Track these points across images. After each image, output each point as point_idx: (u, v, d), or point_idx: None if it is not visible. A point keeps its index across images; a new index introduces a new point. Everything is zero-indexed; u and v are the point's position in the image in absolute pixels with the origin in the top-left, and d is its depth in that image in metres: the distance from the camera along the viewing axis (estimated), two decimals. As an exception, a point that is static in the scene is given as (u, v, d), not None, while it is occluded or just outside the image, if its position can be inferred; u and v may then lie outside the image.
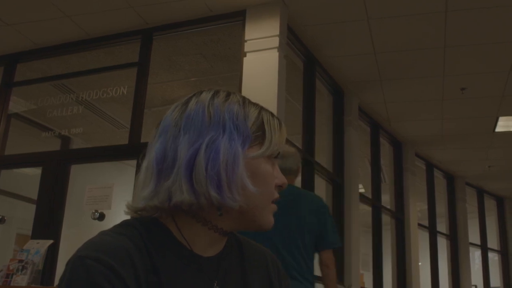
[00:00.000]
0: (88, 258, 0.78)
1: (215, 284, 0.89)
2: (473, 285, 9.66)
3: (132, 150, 4.60)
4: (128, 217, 0.93)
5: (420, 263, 7.92)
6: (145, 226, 0.88)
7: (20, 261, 3.71)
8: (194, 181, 0.84)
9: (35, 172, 5.55)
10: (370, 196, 7.09)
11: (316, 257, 3.25)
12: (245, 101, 0.94)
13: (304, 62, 5.36)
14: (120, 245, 0.81)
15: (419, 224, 8.25)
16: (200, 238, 0.90)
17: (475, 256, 10.77)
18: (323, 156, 5.93)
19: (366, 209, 7.04)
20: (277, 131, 0.93)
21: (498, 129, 7.25)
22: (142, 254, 0.83)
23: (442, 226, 9.31)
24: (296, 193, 3.19)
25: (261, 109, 0.95)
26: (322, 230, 3.12)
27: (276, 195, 0.94)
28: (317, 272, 3.44)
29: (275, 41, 4.42)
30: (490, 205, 10.83)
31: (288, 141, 4.77)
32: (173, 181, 0.85)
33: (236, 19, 4.67)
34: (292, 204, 3.06)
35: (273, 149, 0.91)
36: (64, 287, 0.77)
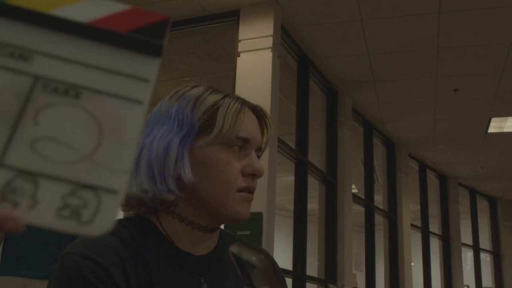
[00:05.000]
0: (76, 254, 0.79)
1: (202, 282, 0.89)
2: (465, 286, 9.70)
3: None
4: (120, 216, 0.93)
5: (412, 264, 7.94)
6: (135, 224, 0.89)
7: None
8: (139, 176, 0.86)
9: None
10: (363, 196, 7.10)
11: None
12: (206, 91, 0.91)
13: (298, 62, 5.37)
14: (108, 242, 0.82)
15: (412, 225, 8.27)
16: (183, 235, 0.90)
17: (467, 256, 10.80)
18: (316, 156, 5.94)
19: (359, 209, 7.05)
20: (233, 117, 0.88)
21: (491, 130, 7.29)
22: (131, 252, 0.83)
23: (434, 226, 9.34)
24: None
25: (224, 96, 0.91)
26: None
27: (243, 184, 0.90)
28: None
29: (269, 41, 4.43)
30: (483, 206, 10.87)
31: (280, 141, 4.77)
32: (133, 178, 0.87)
33: (230, 19, 4.67)
34: None
35: (226, 136, 0.88)
36: (53, 283, 0.79)
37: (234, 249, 0.65)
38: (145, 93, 0.32)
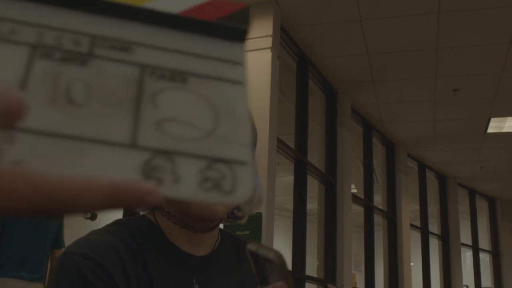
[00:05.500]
0: (75, 254, 0.79)
1: (194, 282, 0.89)
2: (465, 285, 9.71)
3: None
4: (120, 216, 0.94)
5: (412, 264, 7.94)
6: (135, 224, 0.89)
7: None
8: None
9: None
10: (362, 196, 7.10)
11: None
12: None
13: (297, 62, 5.37)
14: (107, 242, 0.82)
15: (411, 225, 8.27)
16: (181, 236, 0.90)
17: (467, 256, 10.81)
18: (315, 157, 5.94)
19: (359, 209, 7.06)
20: None
21: (490, 130, 7.29)
22: (131, 252, 0.84)
23: (434, 226, 9.35)
24: None
25: None
26: None
27: None
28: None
29: (268, 41, 4.43)
30: (482, 206, 10.88)
31: (280, 141, 4.77)
32: None
33: (230, 19, 4.66)
34: None
35: None
36: (53, 283, 0.80)
37: (251, 246, 0.66)
38: (242, 74, 0.34)
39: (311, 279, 5.53)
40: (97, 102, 0.30)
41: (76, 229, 3.42)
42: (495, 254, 10.81)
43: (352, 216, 6.17)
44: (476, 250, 10.51)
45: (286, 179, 7.04)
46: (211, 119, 0.31)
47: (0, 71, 0.29)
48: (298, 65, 5.38)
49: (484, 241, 10.74)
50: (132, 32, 0.33)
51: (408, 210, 8.19)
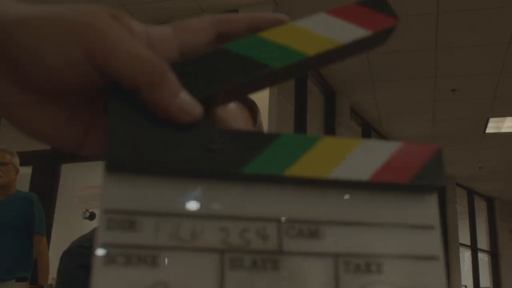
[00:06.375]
0: (81, 247, 0.81)
1: None
2: (463, 286, 9.71)
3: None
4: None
5: (410, 264, 7.94)
6: None
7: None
8: None
9: (25, 172, 5.52)
10: (361, 196, 7.10)
11: None
12: None
13: (296, 62, 5.36)
14: None
15: (410, 225, 8.27)
16: None
17: (465, 256, 10.82)
18: (314, 157, 5.93)
19: (357, 209, 7.05)
20: None
21: (489, 130, 7.29)
22: None
23: (432, 226, 9.35)
24: None
25: None
26: None
27: None
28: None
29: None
30: (481, 206, 10.89)
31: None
32: None
33: (228, 18, 4.67)
34: None
35: None
36: (60, 275, 0.82)
37: None
38: (437, 244, 0.30)
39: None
40: None
41: (76, 229, 3.43)
42: (494, 254, 10.82)
43: (350, 216, 6.17)
44: (474, 250, 10.52)
45: (285, 179, 7.02)
46: None
47: None
48: (297, 65, 5.37)
49: (482, 241, 10.75)
50: (318, 207, 0.29)
51: (407, 210, 8.18)
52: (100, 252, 0.25)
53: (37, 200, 3.60)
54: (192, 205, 0.27)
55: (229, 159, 0.28)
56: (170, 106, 0.29)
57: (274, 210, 0.28)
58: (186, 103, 0.30)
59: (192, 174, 0.28)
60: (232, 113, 0.90)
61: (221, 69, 0.31)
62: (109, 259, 0.25)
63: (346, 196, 0.30)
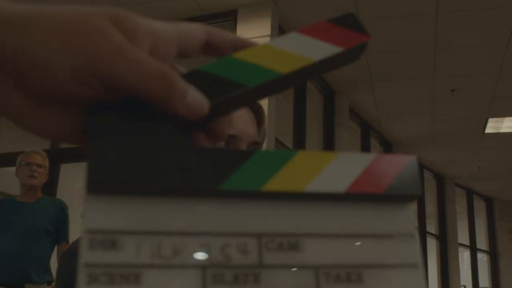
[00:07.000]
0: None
1: None
2: (462, 286, 9.71)
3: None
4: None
5: (409, 264, 7.93)
6: None
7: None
8: None
9: (24, 171, 5.51)
10: (360, 196, 7.10)
11: None
12: None
13: (295, 62, 5.36)
14: None
15: (409, 225, 8.27)
16: None
17: (464, 256, 10.82)
18: (313, 157, 5.92)
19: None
20: None
21: (488, 130, 7.30)
22: None
23: (431, 226, 9.35)
24: None
25: None
26: None
27: None
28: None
29: (266, 41, 4.42)
30: (480, 206, 10.89)
31: (278, 141, 4.77)
32: None
33: (228, 18, 4.67)
34: None
35: None
36: (60, 275, 0.83)
37: None
38: (415, 253, 0.30)
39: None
40: None
41: (75, 229, 3.42)
42: (493, 254, 10.82)
43: (350, 216, 6.16)
44: (473, 250, 10.52)
45: (284, 179, 7.02)
46: None
47: None
48: (296, 65, 5.37)
49: (481, 241, 10.75)
50: (297, 220, 0.29)
51: (406, 210, 8.18)
52: (83, 272, 0.26)
53: (67, 207, 3.65)
54: (173, 223, 0.28)
55: (207, 177, 0.29)
56: (179, 111, 0.31)
57: (254, 225, 0.29)
58: (194, 106, 0.31)
59: (171, 192, 0.28)
60: (238, 114, 0.90)
61: (200, 89, 0.33)
62: (92, 279, 0.26)
63: (324, 208, 0.30)
